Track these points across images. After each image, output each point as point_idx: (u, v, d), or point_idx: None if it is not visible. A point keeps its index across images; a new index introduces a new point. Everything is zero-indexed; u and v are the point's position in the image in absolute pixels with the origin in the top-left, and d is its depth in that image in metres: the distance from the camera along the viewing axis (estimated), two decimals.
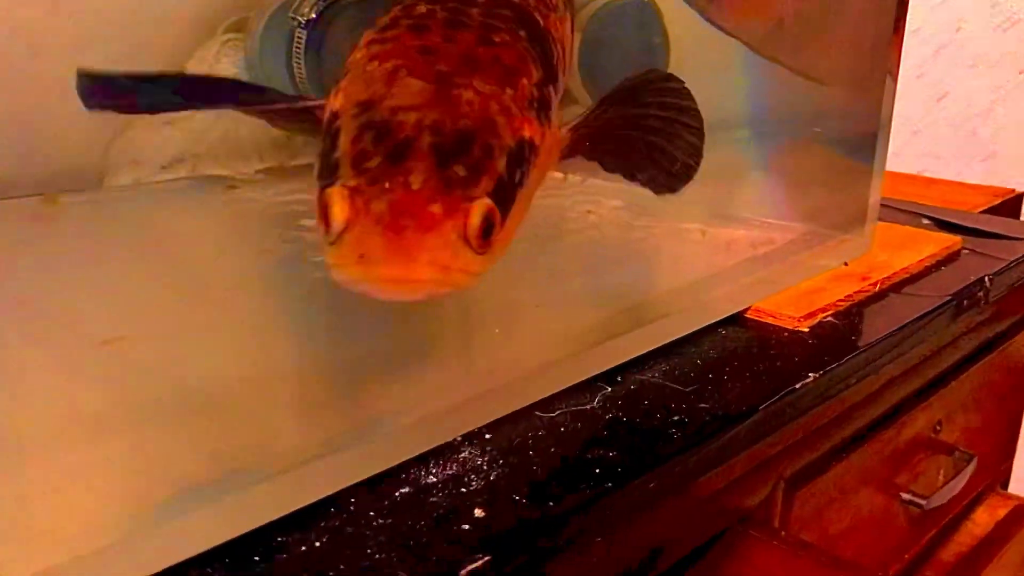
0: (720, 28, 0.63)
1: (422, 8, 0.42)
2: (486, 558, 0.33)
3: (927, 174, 1.07)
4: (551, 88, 0.44)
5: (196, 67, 0.66)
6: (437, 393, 0.40)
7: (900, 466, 0.74)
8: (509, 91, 0.39)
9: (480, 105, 0.37)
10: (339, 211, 0.34)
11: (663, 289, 0.53)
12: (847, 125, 0.64)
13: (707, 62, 0.64)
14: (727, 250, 0.59)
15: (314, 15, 0.62)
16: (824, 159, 0.64)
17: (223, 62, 0.65)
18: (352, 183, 0.34)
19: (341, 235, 0.34)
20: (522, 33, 0.43)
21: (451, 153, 0.35)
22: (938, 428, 0.80)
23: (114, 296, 0.49)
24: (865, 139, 0.64)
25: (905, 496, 0.76)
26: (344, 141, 0.36)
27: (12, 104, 0.65)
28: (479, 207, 0.35)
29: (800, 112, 0.64)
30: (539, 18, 0.46)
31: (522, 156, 0.39)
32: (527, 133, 0.39)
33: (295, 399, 0.40)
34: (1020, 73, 1.19)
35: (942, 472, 0.82)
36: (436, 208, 0.34)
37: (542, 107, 0.42)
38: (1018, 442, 1.04)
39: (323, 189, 0.35)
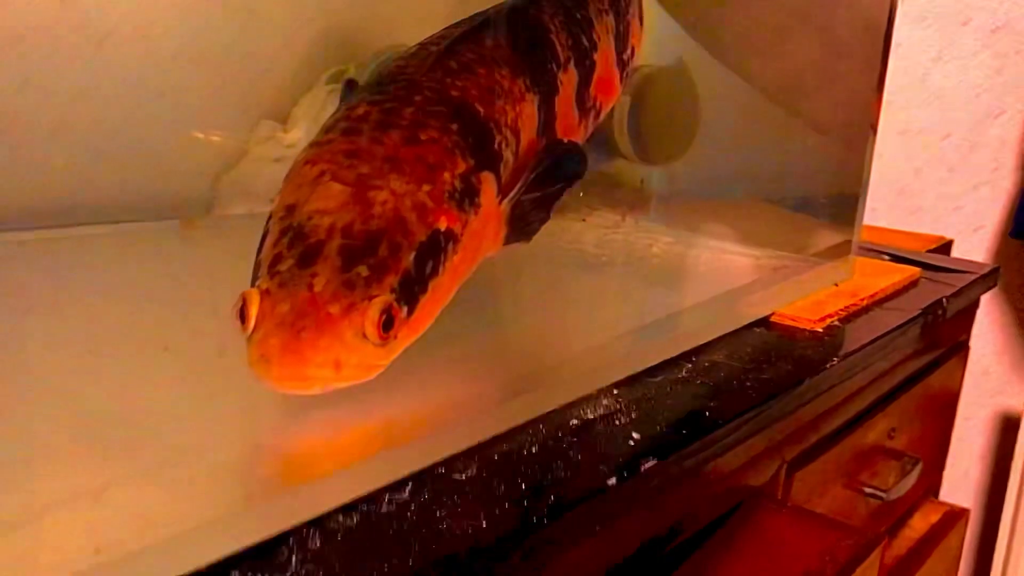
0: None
1: (360, 110, 0.45)
2: (652, 461, 0.46)
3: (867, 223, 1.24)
4: (487, 173, 0.47)
5: (305, 113, 0.78)
6: (584, 358, 0.53)
7: (864, 464, 0.88)
8: (426, 187, 0.42)
9: (393, 205, 0.40)
10: (250, 312, 0.37)
11: (713, 295, 0.67)
12: (838, 182, 0.81)
13: (738, 131, 0.80)
14: (755, 270, 0.74)
15: None
16: (822, 209, 0.81)
17: (328, 109, 0.77)
18: (265, 285, 0.37)
19: (251, 335, 0.37)
20: (454, 126, 0.46)
21: (356, 254, 0.38)
22: (892, 434, 0.95)
23: None
24: (847, 195, 0.81)
25: (868, 490, 0.90)
26: (267, 244, 0.39)
27: (143, 142, 0.76)
28: (376, 304, 0.38)
29: (805, 173, 0.81)
30: (480, 108, 0.49)
31: (437, 246, 0.42)
32: (444, 224, 0.42)
33: (499, 361, 0.52)
34: (942, 139, 1.38)
35: (892, 475, 0.96)
36: (334, 308, 0.37)
37: (467, 195, 0.44)
38: (947, 456, 1.19)
39: (253, 279, 0.39)
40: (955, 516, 1.14)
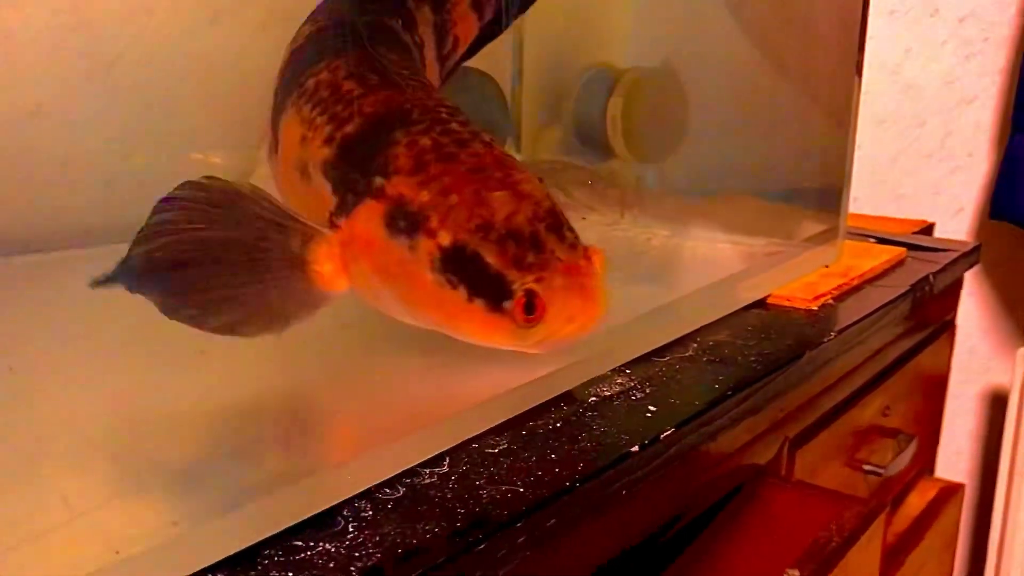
0: None
1: (426, 141, 0.47)
2: (671, 429, 0.49)
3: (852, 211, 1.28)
4: None
5: None
6: (595, 342, 0.56)
7: (862, 442, 0.91)
8: (525, 171, 0.48)
9: (533, 188, 0.46)
10: (542, 299, 0.43)
11: (711, 281, 0.71)
12: (823, 173, 0.85)
13: (725, 130, 0.84)
14: (749, 257, 0.77)
15: None
16: (808, 199, 0.85)
17: None
18: (530, 278, 0.43)
19: (546, 315, 0.44)
20: (473, 127, 0.50)
21: (557, 227, 0.45)
22: (886, 412, 0.98)
23: None
24: (831, 185, 0.85)
25: (867, 467, 0.93)
26: (492, 256, 0.44)
27: (152, 163, 0.79)
28: (597, 252, 0.46)
29: (791, 166, 0.85)
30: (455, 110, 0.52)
31: None
32: None
33: None
34: (918, 127, 1.42)
35: (889, 452, 0.99)
36: (584, 264, 0.45)
37: None
38: (940, 434, 1.23)
39: (495, 300, 0.44)
40: (951, 491, 1.18)
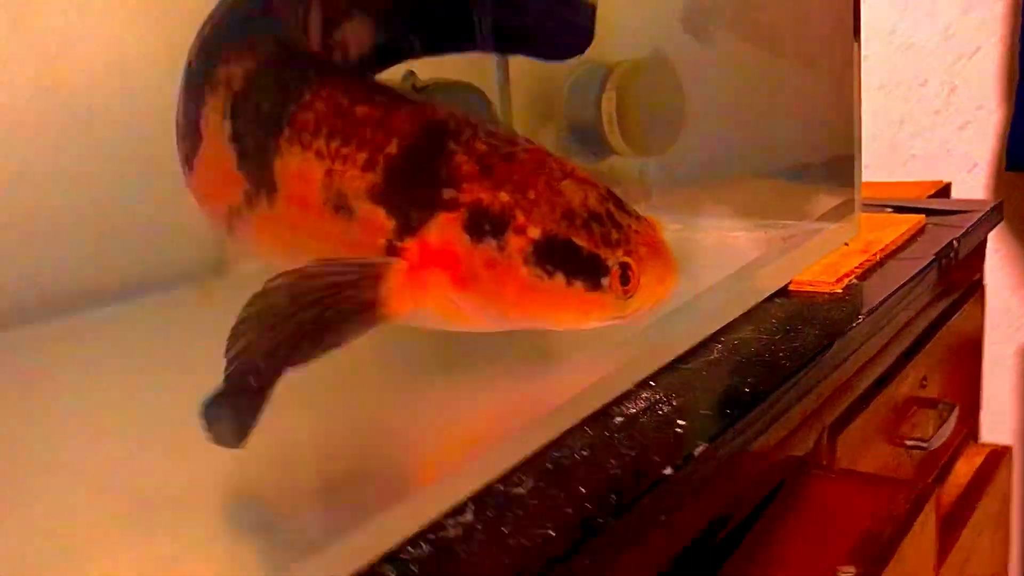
0: None
1: (481, 146, 0.48)
2: (704, 445, 0.46)
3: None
4: None
5: None
6: (616, 355, 0.54)
7: (902, 417, 0.88)
8: (569, 160, 0.51)
9: (587, 173, 0.49)
10: (635, 269, 0.47)
11: (729, 274, 0.68)
12: (830, 144, 0.82)
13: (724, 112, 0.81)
14: (765, 243, 0.74)
15: None
16: (819, 173, 0.82)
17: None
18: (620, 253, 0.47)
19: (641, 282, 0.47)
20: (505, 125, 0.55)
21: (620, 204, 0.48)
22: (924, 383, 0.95)
23: None
24: (840, 156, 0.81)
25: (910, 442, 0.90)
26: (583, 240, 0.47)
27: (146, 213, 0.77)
28: (656, 220, 0.49)
29: (797, 141, 0.82)
30: None
31: None
32: None
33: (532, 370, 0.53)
34: (921, 86, 1.39)
35: (931, 424, 0.96)
36: (656, 233, 0.49)
37: None
38: (981, 398, 1.19)
39: (593, 279, 0.46)
40: (999, 455, 1.15)
